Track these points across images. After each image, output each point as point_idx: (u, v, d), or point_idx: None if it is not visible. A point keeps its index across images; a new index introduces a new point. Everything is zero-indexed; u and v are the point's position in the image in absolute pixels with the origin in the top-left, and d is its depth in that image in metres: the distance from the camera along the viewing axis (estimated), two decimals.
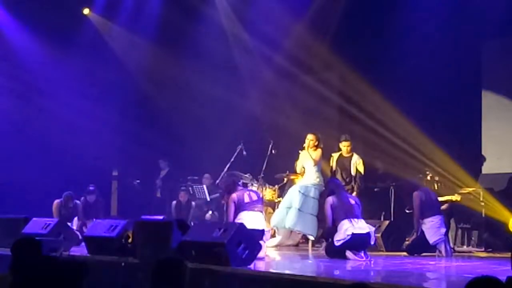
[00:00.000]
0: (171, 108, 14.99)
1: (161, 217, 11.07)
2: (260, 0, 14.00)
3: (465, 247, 11.94)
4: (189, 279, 4.66)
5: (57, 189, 12.45)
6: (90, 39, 14.97)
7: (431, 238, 9.91)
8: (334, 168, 11.35)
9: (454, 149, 11.95)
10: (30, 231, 9.33)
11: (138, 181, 15.19)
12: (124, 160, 14.96)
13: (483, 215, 11.22)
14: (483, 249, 11.28)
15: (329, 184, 9.95)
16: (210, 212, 13.54)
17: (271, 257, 9.59)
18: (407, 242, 10.53)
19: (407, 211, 10.59)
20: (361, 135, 12.87)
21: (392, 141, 12.60)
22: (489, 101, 12.58)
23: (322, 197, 10.49)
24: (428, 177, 11.56)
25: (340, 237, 9.00)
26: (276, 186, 12.20)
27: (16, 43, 14.74)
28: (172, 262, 4.75)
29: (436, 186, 11.48)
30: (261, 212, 9.53)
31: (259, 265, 7.85)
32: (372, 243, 9.39)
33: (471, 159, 12.25)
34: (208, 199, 13.80)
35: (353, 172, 11.18)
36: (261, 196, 10.22)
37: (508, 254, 8.38)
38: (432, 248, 10.00)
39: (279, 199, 11.81)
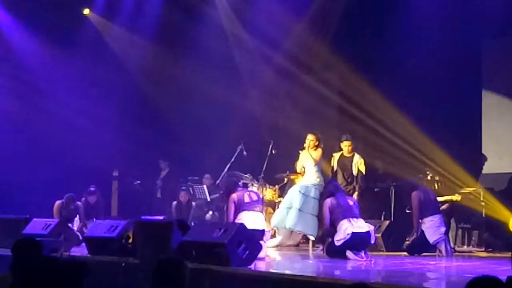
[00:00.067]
0: (171, 108, 14.98)
1: (161, 218, 11.06)
2: (260, 0, 14.00)
3: (465, 247, 11.94)
4: (190, 280, 4.66)
5: (57, 189, 12.44)
6: (90, 39, 14.96)
7: (431, 237, 9.92)
8: (335, 168, 11.34)
9: (454, 149, 11.96)
10: (31, 231, 9.33)
11: (138, 181, 15.19)
12: (125, 161, 14.95)
13: (484, 215, 11.23)
14: (483, 249, 11.29)
15: (328, 186, 9.95)
16: (211, 212, 13.53)
17: (272, 257, 9.59)
18: (407, 242, 10.53)
19: (408, 211, 10.59)
20: (361, 135, 12.86)
21: (392, 141, 12.60)
22: (490, 100, 12.57)
23: (322, 197, 10.49)
24: (429, 177, 11.57)
25: (340, 236, 9.01)
26: (277, 186, 12.20)
27: (16, 43, 14.73)
28: (173, 263, 4.74)
29: (436, 186, 11.48)
30: (261, 212, 9.54)
31: (260, 265, 7.85)
32: (372, 242, 9.41)
33: (471, 159, 12.25)
34: (209, 199, 13.79)
35: (354, 172, 11.18)
36: (261, 196, 10.23)
37: (509, 254, 8.39)
38: (433, 248, 10.00)
39: (279, 199, 11.81)
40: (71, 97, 14.42)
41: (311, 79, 14.35)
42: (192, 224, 10.16)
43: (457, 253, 10.64)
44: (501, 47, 12.63)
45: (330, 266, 8.55)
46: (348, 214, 9.17)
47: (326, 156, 11.28)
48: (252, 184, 11.76)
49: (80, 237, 10.21)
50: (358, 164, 11.19)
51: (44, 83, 14.44)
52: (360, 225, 9.14)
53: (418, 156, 12.22)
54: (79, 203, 11.88)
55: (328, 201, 9.38)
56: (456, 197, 10.93)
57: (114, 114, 14.90)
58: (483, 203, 11.17)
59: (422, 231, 9.99)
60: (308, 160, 10.88)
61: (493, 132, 12.46)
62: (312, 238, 10.73)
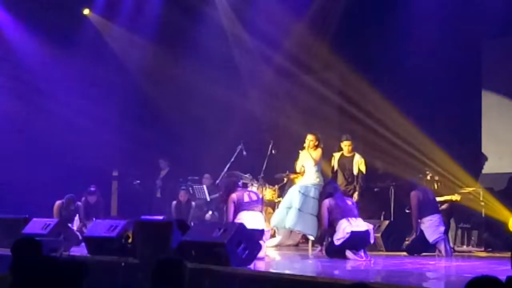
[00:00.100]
0: (171, 108, 14.98)
1: (161, 217, 11.06)
2: (260, 0, 14.00)
3: (465, 247, 11.94)
4: (189, 279, 4.65)
5: (57, 189, 12.44)
6: (90, 39, 14.96)
7: (430, 237, 9.92)
8: (335, 168, 11.34)
9: (454, 149, 11.96)
10: (30, 231, 9.33)
11: (138, 181, 15.18)
12: (124, 160, 14.95)
13: (483, 215, 11.24)
14: (483, 249, 11.29)
15: (326, 187, 9.95)
16: (210, 212, 13.53)
17: (271, 257, 9.59)
18: (407, 242, 10.53)
19: (407, 211, 10.59)
20: (361, 135, 12.86)
21: (392, 141, 12.60)
22: (489, 100, 12.58)
23: (321, 198, 10.49)
24: (428, 177, 11.57)
25: (339, 236, 9.03)
26: (276, 186, 12.20)
27: (16, 43, 14.73)
28: (172, 262, 4.74)
29: (436, 185, 11.48)
30: (261, 212, 9.54)
31: (259, 265, 7.85)
32: (372, 241, 9.42)
33: (471, 159, 12.25)
34: (208, 199, 13.79)
35: (355, 172, 11.17)
36: (260, 196, 10.24)
37: (508, 254, 8.38)
38: (432, 248, 10.01)
39: (279, 199, 11.81)
40: (71, 97, 14.42)
41: (311, 79, 14.36)
42: (192, 224, 10.16)
43: (456, 253, 10.64)
44: (501, 47, 12.63)
45: (330, 266, 8.55)
46: (347, 214, 9.20)
47: (326, 156, 11.27)
48: (252, 184, 11.76)
49: (80, 237, 10.21)
50: (359, 163, 11.18)
51: (44, 83, 14.44)
52: (359, 224, 9.17)
53: (418, 156, 12.22)
54: (79, 203, 11.87)
55: (327, 202, 9.41)
56: (456, 197, 10.93)
57: (114, 114, 14.90)
58: (482, 203, 11.17)
59: (422, 231, 10.00)
60: (307, 160, 10.88)
61: (493, 132, 12.46)
62: (311, 238, 10.73)
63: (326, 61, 13.97)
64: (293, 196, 10.82)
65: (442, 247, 9.89)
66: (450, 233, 11.29)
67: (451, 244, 10.81)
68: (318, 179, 10.84)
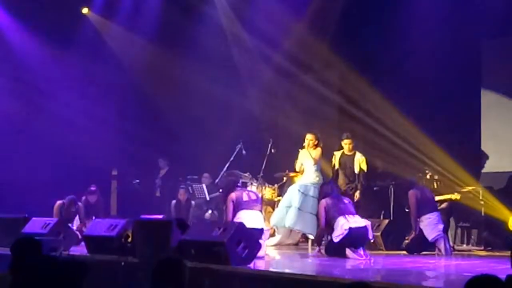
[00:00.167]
0: (170, 107, 14.98)
1: (160, 216, 11.06)
2: None
3: (464, 245, 11.96)
4: (189, 278, 4.65)
5: (57, 188, 12.44)
6: (89, 39, 14.94)
7: (430, 235, 9.93)
8: (337, 166, 11.32)
9: (453, 148, 11.96)
10: (30, 230, 9.33)
11: (137, 180, 15.18)
12: (124, 160, 14.94)
13: (483, 213, 11.25)
14: (482, 248, 11.30)
15: (323, 187, 9.95)
16: (210, 211, 13.54)
17: (271, 256, 9.59)
18: (406, 241, 10.53)
19: (407, 210, 10.60)
20: (360, 134, 12.86)
21: (391, 140, 12.61)
22: (489, 100, 12.58)
23: (319, 197, 10.49)
24: (428, 176, 11.57)
25: (337, 233, 9.06)
26: (276, 185, 12.20)
27: (15, 43, 14.72)
28: (172, 262, 4.74)
29: (435, 185, 11.48)
30: (260, 211, 9.55)
31: (259, 264, 7.85)
32: (370, 237, 9.44)
33: (471, 158, 12.25)
34: (208, 199, 13.80)
35: (356, 170, 11.15)
36: (260, 195, 10.25)
37: (508, 253, 8.39)
38: (432, 246, 10.02)
39: (278, 198, 11.81)
40: (71, 96, 14.42)
41: (310, 79, 14.36)
42: (191, 223, 10.16)
43: (456, 252, 10.64)
44: (500, 47, 12.63)
45: (330, 265, 8.55)
46: (344, 211, 9.27)
47: (327, 155, 11.27)
48: (252, 183, 11.77)
49: (80, 236, 10.20)
50: (360, 162, 11.17)
51: (44, 83, 14.44)
52: (357, 221, 9.23)
53: (418, 155, 12.23)
54: (79, 204, 11.82)
55: (324, 201, 9.46)
56: (456, 196, 10.93)
57: (113, 113, 14.89)
58: (482, 202, 11.18)
59: (421, 230, 10.01)
60: (307, 159, 10.88)
61: (492, 131, 12.46)
62: (311, 237, 10.72)
63: (325, 60, 13.98)
64: (292, 195, 10.82)
65: (441, 245, 9.90)
66: (449, 232, 11.30)
67: (451, 243, 10.81)
68: (317, 178, 10.84)
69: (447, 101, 12.43)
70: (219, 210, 13.03)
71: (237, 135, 12.92)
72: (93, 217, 11.47)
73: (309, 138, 10.88)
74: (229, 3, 14.64)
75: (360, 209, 10.25)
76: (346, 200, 9.67)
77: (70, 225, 11.09)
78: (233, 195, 9.35)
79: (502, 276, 3.64)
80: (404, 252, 10.16)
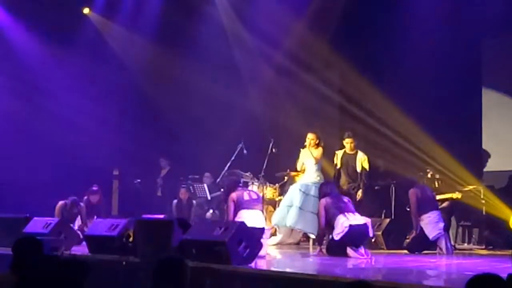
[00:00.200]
0: (171, 107, 14.98)
1: (162, 216, 11.06)
2: None
3: (465, 244, 11.96)
4: (190, 278, 4.65)
5: (57, 188, 12.43)
6: (90, 39, 14.94)
7: (430, 233, 9.94)
8: (339, 165, 11.31)
9: (454, 147, 11.95)
10: (31, 230, 9.33)
11: (138, 180, 15.18)
12: (125, 159, 14.94)
13: (484, 212, 11.25)
14: (483, 247, 11.31)
15: (322, 187, 9.95)
16: (211, 210, 13.54)
17: (272, 256, 9.59)
18: (407, 240, 10.53)
19: (408, 209, 10.60)
20: (361, 134, 12.84)
21: (393, 139, 12.62)
22: (490, 99, 12.58)
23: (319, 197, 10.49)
24: (429, 175, 11.57)
25: (338, 231, 9.07)
26: (277, 185, 12.21)
27: (16, 42, 14.72)
28: (173, 261, 4.74)
29: (437, 184, 11.48)
30: (261, 210, 9.56)
31: (260, 264, 7.85)
32: (371, 234, 9.45)
33: (472, 157, 12.25)
34: (209, 198, 13.79)
35: (358, 169, 11.15)
36: (260, 195, 10.25)
37: (509, 252, 8.41)
38: (433, 245, 10.02)
39: (279, 197, 11.82)
40: (71, 96, 14.41)
41: (311, 78, 14.36)
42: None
43: (457, 251, 10.65)
44: (501, 46, 12.63)
45: (331, 264, 8.55)
46: (343, 210, 9.28)
47: (329, 154, 11.27)
48: (253, 183, 11.77)
49: (81, 236, 10.20)
50: (362, 161, 11.16)
51: (44, 83, 14.43)
52: (357, 218, 9.25)
53: (419, 154, 12.23)
54: (81, 204, 11.80)
55: (323, 201, 9.47)
56: (457, 195, 10.93)
57: (114, 113, 14.89)
58: (483, 201, 11.19)
59: (422, 229, 10.02)
60: (308, 158, 10.88)
61: (493, 130, 12.46)
62: (312, 236, 10.72)
63: (326, 59, 13.98)
64: (293, 194, 10.82)
65: (442, 244, 9.90)
66: (451, 231, 11.30)
67: (452, 242, 10.81)
68: (318, 178, 10.84)
69: (448, 100, 12.43)
70: (220, 209, 13.03)
71: (238, 135, 12.92)
72: (95, 217, 11.46)
73: (310, 137, 10.89)
74: (230, 3, 14.64)
75: (360, 209, 10.24)
76: (346, 199, 9.69)
77: (71, 225, 11.08)
78: (234, 195, 9.36)
79: (504, 275, 3.64)
80: (405, 251, 10.16)
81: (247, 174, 12.00)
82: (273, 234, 11.20)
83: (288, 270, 7.70)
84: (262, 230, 9.05)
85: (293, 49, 13.89)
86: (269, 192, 12.06)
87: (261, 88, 14.75)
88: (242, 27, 14.58)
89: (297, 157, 11.09)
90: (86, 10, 15.22)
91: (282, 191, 11.95)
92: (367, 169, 11.18)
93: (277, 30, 13.56)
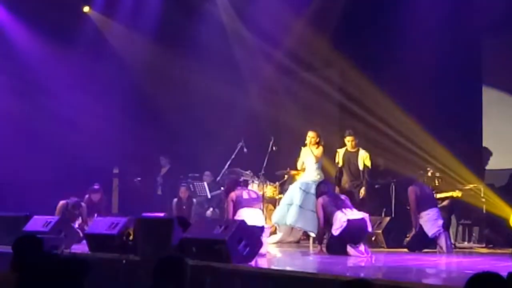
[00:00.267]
0: (171, 106, 14.98)
1: (162, 214, 11.06)
2: None
3: (466, 243, 11.96)
4: (190, 276, 4.65)
5: (58, 187, 12.43)
6: (90, 37, 14.94)
7: (430, 230, 9.94)
8: (341, 163, 11.30)
9: (455, 145, 11.95)
10: (31, 228, 9.33)
11: (138, 178, 15.19)
12: (125, 158, 14.95)
13: (484, 211, 11.25)
14: (484, 245, 11.30)
15: (319, 187, 9.93)
16: (211, 209, 13.55)
17: (272, 254, 9.59)
18: (407, 239, 10.53)
19: (408, 208, 10.60)
20: (362, 132, 12.82)
21: (393, 137, 12.60)
22: (490, 97, 12.57)
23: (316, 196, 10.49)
24: (429, 173, 11.56)
25: (336, 226, 9.08)
26: (277, 183, 12.21)
27: (16, 41, 14.72)
28: (173, 260, 4.74)
29: (437, 182, 11.46)
30: (260, 209, 9.56)
31: (260, 262, 7.86)
32: (370, 229, 9.46)
33: (472, 155, 12.24)
34: (209, 196, 13.80)
35: (360, 167, 11.14)
36: (260, 194, 10.25)
37: (509, 250, 8.42)
38: (433, 244, 10.02)
39: (280, 196, 11.82)
40: (72, 94, 14.40)
41: (311, 76, 14.36)
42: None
43: (457, 249, 10.66)
44: (501, 44, 12.61)
45: (331, 262, 8.55)
46: (341, 206, 9.30)
47: (329, 152, 11.27)
48: (253, 181, 11.77)
49: (81, 234, 10.20)
50: (364, 158, 11.15)
51: (45, 81, 14.42)
52: (354, 213, 9.26)
53: (419, 153, 12.22)
54: (83, 205, 11.76)
55: (320, 199, 9.48)
56: (457, 193, 10.93)
57: (115, 111, 14.87)
58: (483, 199, 11.18)
59: (421, 226, 10.02)
60: (309, 156, 10.89)
61: (494, 128, 12.45)
62: (312, 234, 10.73)
63: (326, 58, 13.98)
64: (294, 193, 10.83)
65: (442, 242, 9.89)
66: (451, 230, 11.30)
67: (452, 241, 10.81)
68: (318, 176, 10.85)
69: (449, 99, 12.42)
70: (221, 208, 13.03)
71: (238, 133, 12.92)
72: (95, 215, 11.45)
73: (311, 135, 10.89)
74: (230, 2, 14.64)
75: (361, 207, 10.24)
76: (343, 197, 9.72)
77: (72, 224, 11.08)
78: (233, 195, 9.38)
79: (504, 274, 3.64)
80: (406, 249, 10.16)
81: (247, 172, 12.01)
82: (273, 232, 11.19)
83: (288, 268, 7.69)
84: (262, 228, 9.06)
85: (293, 48, 13.88)
86: (269, 190, 12.06)
87: (261, 87, 14.74)
88: (243, 26, 14.58)
89: (298, 155, 11.09)
90: (86, 9, 15.22)
91: (282, 190, 11.95)
92: (369, 167, 11.18)
93: (277, 28, 13.56)
